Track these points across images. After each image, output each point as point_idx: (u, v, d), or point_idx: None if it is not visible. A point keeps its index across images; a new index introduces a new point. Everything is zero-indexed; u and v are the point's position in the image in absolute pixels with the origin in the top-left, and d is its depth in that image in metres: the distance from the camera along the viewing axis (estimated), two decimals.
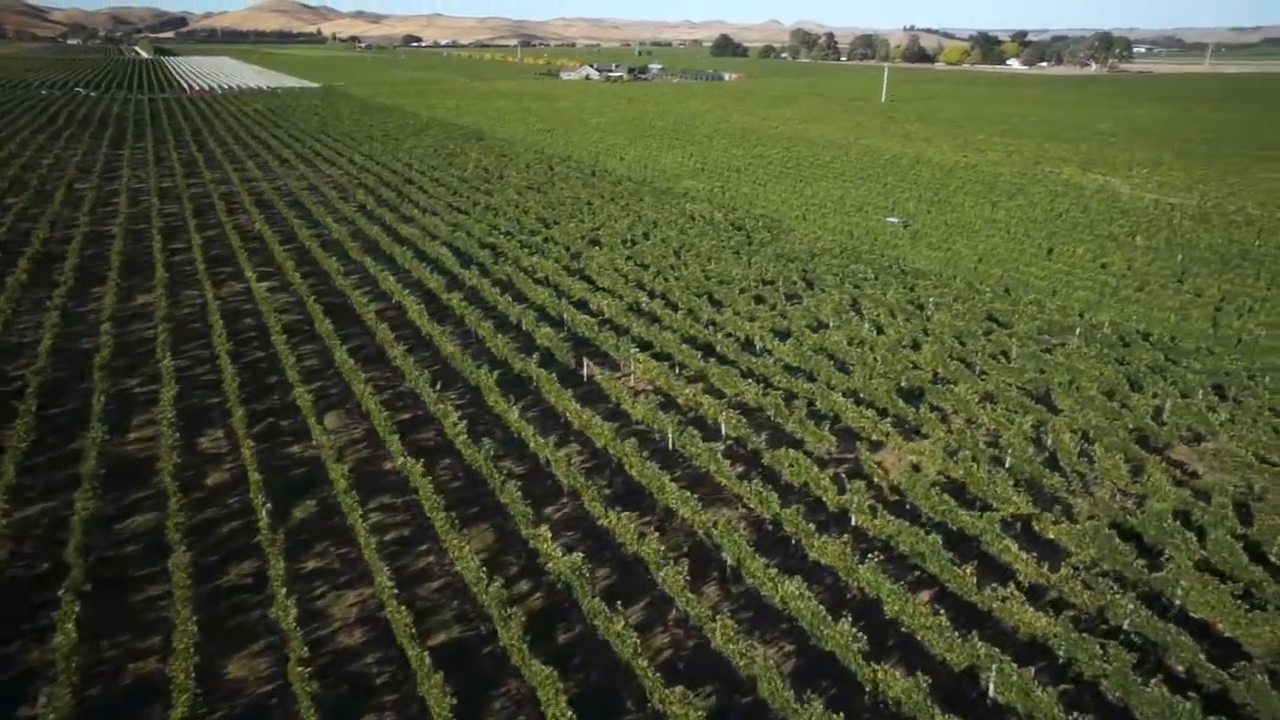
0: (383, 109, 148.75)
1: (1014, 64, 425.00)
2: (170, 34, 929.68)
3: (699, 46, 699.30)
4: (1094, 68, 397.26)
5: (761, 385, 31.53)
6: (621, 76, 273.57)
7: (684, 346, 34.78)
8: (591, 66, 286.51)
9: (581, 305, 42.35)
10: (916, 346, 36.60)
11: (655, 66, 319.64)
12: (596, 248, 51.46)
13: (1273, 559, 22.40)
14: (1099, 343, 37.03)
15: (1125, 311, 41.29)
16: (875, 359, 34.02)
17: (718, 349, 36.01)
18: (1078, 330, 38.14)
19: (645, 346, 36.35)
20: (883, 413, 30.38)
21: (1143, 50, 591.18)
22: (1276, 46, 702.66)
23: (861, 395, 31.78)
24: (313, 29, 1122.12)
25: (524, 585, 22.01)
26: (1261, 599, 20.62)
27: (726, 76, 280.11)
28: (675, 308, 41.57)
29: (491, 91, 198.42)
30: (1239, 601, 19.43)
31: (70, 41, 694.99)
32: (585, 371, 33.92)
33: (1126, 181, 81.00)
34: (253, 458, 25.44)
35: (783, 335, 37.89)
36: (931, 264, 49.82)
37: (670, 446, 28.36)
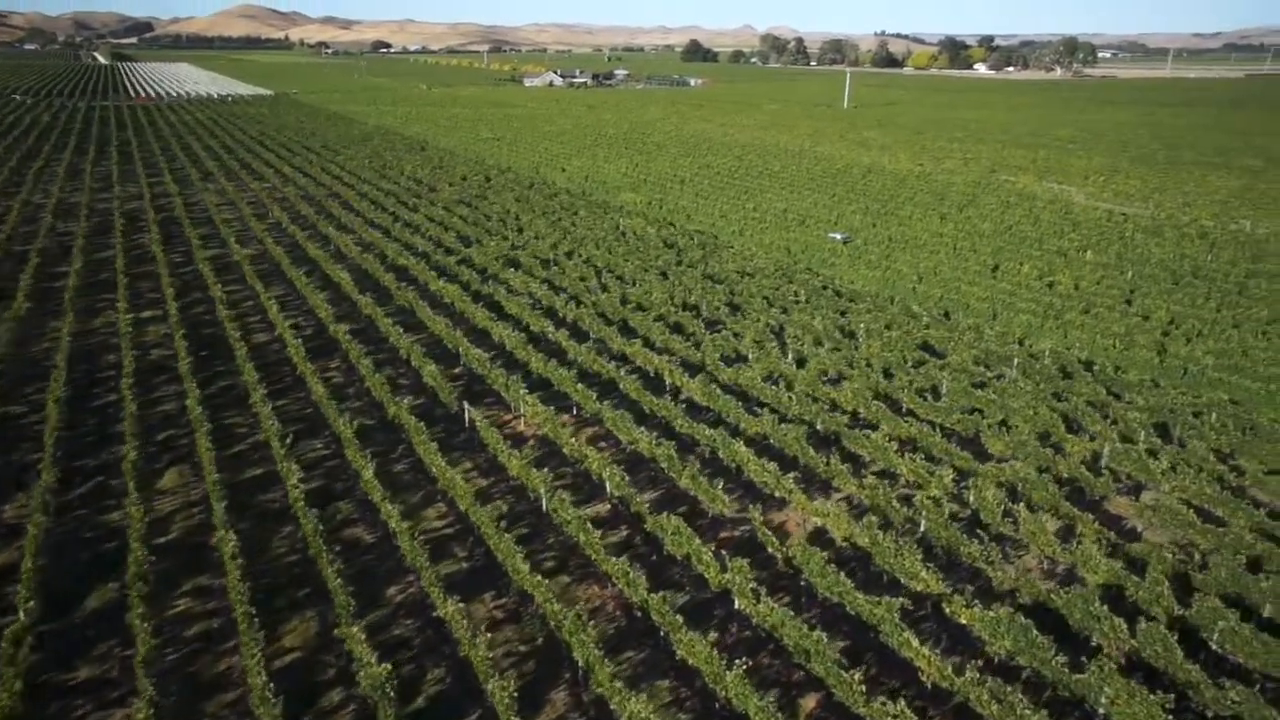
0: (330, 117, 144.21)
1: (981, 69, 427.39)
2: (133, 40, 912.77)
3: (671, 52, 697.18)
4: (1059, 72, 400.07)
5: (658, 432, 28.15)
6: (586, 83, 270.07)
7: (580, 386, 31.30)
8: (555, 72, 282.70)
9: (482, 336, 38.82)
10: (839, 382, 33.43)
11: (621, 72, 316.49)
12: (513, 269, 47.89)
13: (1213, 645, 19.35)
14: (1037, 374, 34.05)
15: (1068, 337, 38.45)
16: (790, 398, 30.75)
17: (620, 387, 32.61)
18: (1015, 360, 35.15)
19: (541, 385, 32.88)
20: (790, 464, 27.11)
21: (1107, 55, 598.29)
22: (1237, 51, 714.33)
23: (770, 441, 28.52)
24: (281, 35, 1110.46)
25: (335, 697, 18.42)
26: (1199, 704, 17.52)
27: (693, 82, 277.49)
28: (584, 338, 38.12)
29: (449, 98, 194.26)
30: (1170, 717, 16.28)
31: (28, 46, 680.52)
32: (467, 417, 30.37)
33: (1082, 190, 78.78)
34: (37, 535, 21.65)
35: (695, 370, 34.56)
36: (869, 284, 46.78)
37: (544, 508, 24.90)
